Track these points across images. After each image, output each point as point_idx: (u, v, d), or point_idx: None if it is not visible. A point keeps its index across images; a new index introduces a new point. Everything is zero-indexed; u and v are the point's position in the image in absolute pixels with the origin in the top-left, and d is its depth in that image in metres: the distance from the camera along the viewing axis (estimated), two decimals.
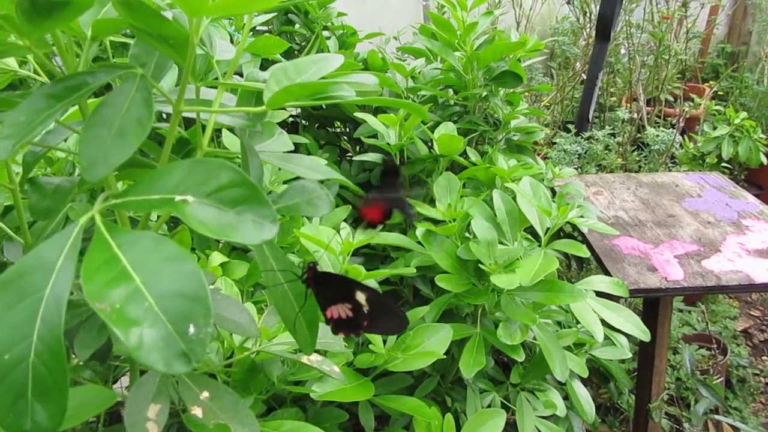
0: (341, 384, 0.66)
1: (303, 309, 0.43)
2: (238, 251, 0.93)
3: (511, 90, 1.30)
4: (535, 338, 0.85)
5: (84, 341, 0.42)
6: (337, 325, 0.47)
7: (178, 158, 0.52)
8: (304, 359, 0.52)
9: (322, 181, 0.61)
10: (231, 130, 0.75)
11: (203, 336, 0.28)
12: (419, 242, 0.89)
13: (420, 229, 0.85)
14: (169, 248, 0.30)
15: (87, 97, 0.37)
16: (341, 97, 0.39)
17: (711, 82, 3.52)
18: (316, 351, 0.55)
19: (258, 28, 1.40)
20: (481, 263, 0.81)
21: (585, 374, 0.89)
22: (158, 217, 0.44)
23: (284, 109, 1.36)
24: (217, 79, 0.46)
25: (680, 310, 2.13)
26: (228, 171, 0.34)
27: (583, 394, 0.96)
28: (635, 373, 1.49)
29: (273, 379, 0.63)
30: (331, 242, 0.76)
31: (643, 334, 0.84)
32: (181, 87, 0.37)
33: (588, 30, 3.20)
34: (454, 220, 0.87)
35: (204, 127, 0.45)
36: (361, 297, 0.46)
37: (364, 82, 0.37)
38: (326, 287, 0.45)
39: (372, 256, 1.13)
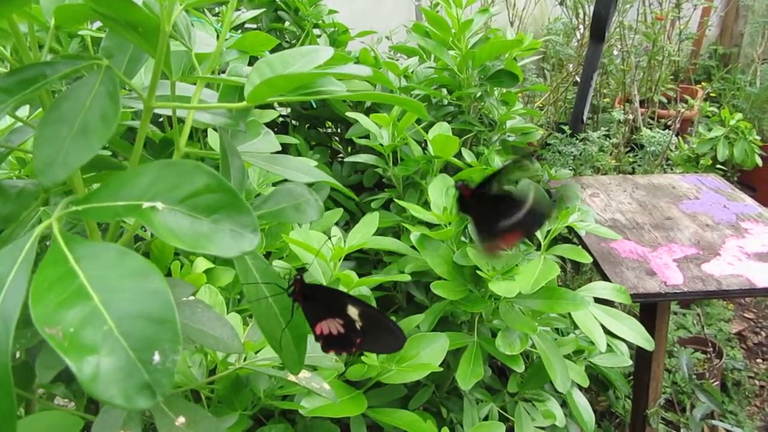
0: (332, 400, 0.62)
1: (290, 324, 0.40)
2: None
3: (507, 90, 1.27)
4: (533, 346, 0.82)
5: (46, 361, 0.38)
6: (328, 343, 0.43)
7: (153, 160, 0.48)
8: (291, 377, 0.49)
9: (311, 184, 0.57)
10: (215, 129, 0.71)
11: (170, 365, 0.24)
12: (413, 247, 0.85)
13: (414, 233, 0.81)
14: (133, 262, 0.26)
15: (46, 91, 0.33)
16: (331, 91, 0.35)
17: (703, 84, 3.51)
18: (305, 367, 0.51)
19: (247, 25, 1.36)
20: (479, 269, 0.77)
21: (586, 384, 0.85)
22: (119, 227, 0.40)
23: (273, 108, 1.33)
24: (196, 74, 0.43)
25: (675, 313, 2.11)
26: (203, 174, 0.30)
27: (582, 403, 0.92)
28: (630, 377, 1.46)
29: (259, 393, 0.59)
30: (322, 247, 0.72)
31: (647, 343, 0.81)
32: (152, 80, 0.33)
33: (582, 31, 3.17)
34: (450, 223, 0.84)
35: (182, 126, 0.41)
36: (353, 312, 0.42)
37: (357, 73, 0.33)
38: (315, 301, 0.41)
39: (364, 261, 1.09)
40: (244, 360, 0.55)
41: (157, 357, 0.24)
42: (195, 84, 0.42)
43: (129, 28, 0.33)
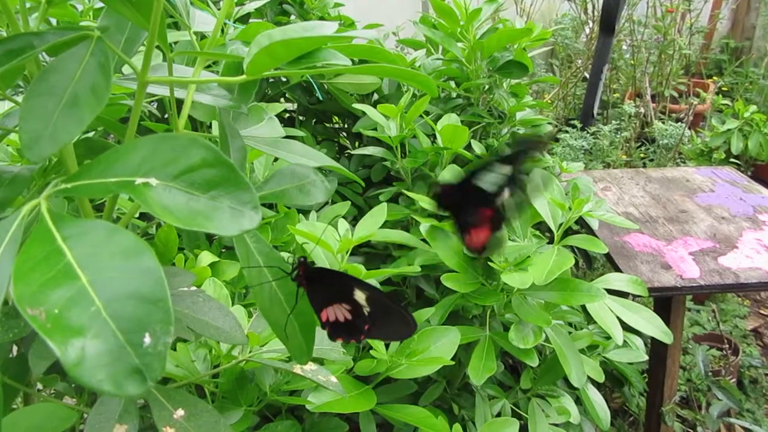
0: (340, 394, 0.60)
1: (295, 311, 0.38)
2: (231, 250, 0.87)
3: (516, 81, 1.24)
4: (547, 341, 0.80)
5: (40, 351, 0.37)
6: (335, 330, 0.41)
7: None
8: (297, 369, 0.47)
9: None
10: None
11: (161, 348, 0.22)
12: (423, 239, 0.83)
13: (424, 225, 0.79)
14: (123, 240, 0.25)
15: (37, 64, 0.31)
16: (334, 64, 0.33)
17: (715, 78, 3.47)
18: (311, 359, 0.49)
19: (251, 20, 1.34)
20: (491, 261, 0.75)
21: (601, 378, 0.83)
22: (113, 210, 0.38)
23: (278, 101, 1.31)
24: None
25: (689, 309, 2.07)
26: (200, 148, 0.28)
27: (597, 400, 0.90)
28: (645, 374, 1.43)
29: (265, 389, 0.57)
30: (325, 236, 0.70)
31: (665, 336, 0.78)
32: (146, 53, 0.32)
33: (590, 25, 3.14)
34: None
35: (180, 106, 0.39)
36: (360, 297, 0.40)
37: (359, 36, 0.31)
38: (320, 285, 0.39)
39: (373, 255, 1.07)
40: (250, 353, 0.53)
41: (147, 339, 0.22)
42: (190, 63, 0.40)
43: (122, 1, 0.31)
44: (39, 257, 0.25)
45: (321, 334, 0.43)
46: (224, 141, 0.37)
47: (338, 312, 0.40)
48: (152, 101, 1.01)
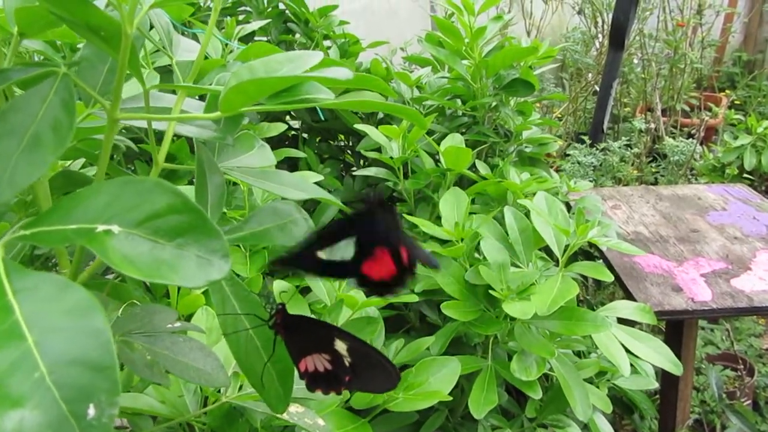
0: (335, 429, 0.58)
1: (273, 358, 0.36)
2: None
3: (523, 99, 1.23)
4: (552, 369, 0.77)
5: None
6: (313, 380, 0.39)
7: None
8: (284, 414, 0.45)
9: (317, 202, 0.52)
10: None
11: (106, 420, 0.20)
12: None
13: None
14: (74, 296, 0.23)
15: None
16: (316, 99, 0.32)
17: (727, 92, 3.43)
18: (299, 400, 0.47)
19: (256, 38, 1.34)
20: (492, 288, 0.73)
21: (609, 410, 0.80)
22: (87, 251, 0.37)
23: (284, 121, 1.30)
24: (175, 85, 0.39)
25: (702, 328, 2.03)
26: (165, 193, 0.27)
27: (605, 429, 0.87)
28: (655, 396, 1.40)
29: (256, 425, 0.55)
30: None
31: (674, 366, 0.76)
32: (116, 88, 0.30)
33: (600, 39, 3.12)
34: (462, 240, 0.80)
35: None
36: (341, 346, 0.38)
37: (336, 76, 0.30)
38: (299, 334, 0.37)
39: None
40: (239, 390, 0.51)
41: (92, 411, 0.20)
42: (172, 92, 0.39)
43: (91, 32, 0.30)
44: None
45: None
46: (201, 178, 0.36)
47: (317, 362, 0.38)
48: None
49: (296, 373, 0.38)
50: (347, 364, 0.38)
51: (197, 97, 0.45)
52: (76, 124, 0.28)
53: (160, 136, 0.39)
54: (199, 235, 0.27)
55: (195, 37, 0.98)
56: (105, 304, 0.44)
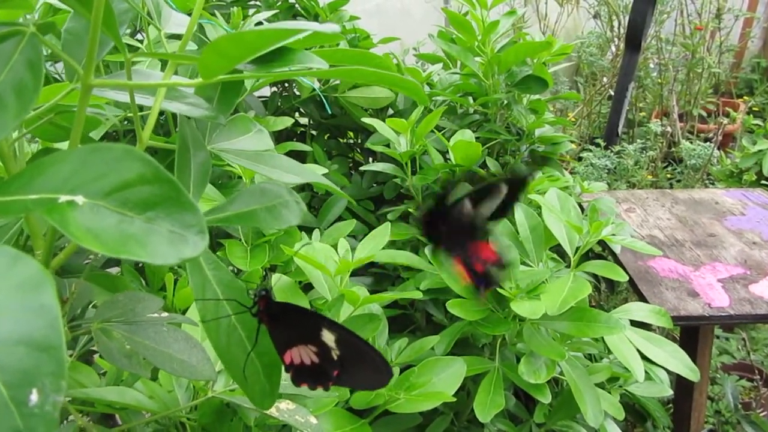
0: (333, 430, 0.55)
1: (257, 350, 0.33)
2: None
3: (536, 97, 1.20)
4: (562, 372, 0.74)
5: None
6: (298, 374, 0.36)
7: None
8: (272, 409, 0.42)
9: (328, 194, 0.50)
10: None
11: (49, 407, 0.18)
12: (430, 262, 0.78)
13: (429, 247, 0.75)
14: (25, 270, 0.20)
15: None
16: (310, 68, 0.29)
17: (745, 98, 3.37)
18: (293, 397, 0.45)
19: None
20: (500, 287, 0.70)
21: (621, 417, 0.77)
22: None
23: (291, 116, 1.28)
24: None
25: (717, 337, 1.98)
26: (136, 161, 0.24)
27: None
28: (669, 405, 1.35)
29: (250, 423, 0.53)
30: (327, 260, 0.66)
31: (691, 372, 0.72)
32: (89, 50, 0.28)
33: (616, 42, 3.08)
34: None
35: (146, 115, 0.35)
36: (328, 338, 0.35)
37: (321, 29, 0.27)
38: (284, 323, 0.35)
39: (383, 277, 1.03)
40: (231, 386, 0.48)
41: (34, 396, 0.18)
42: (160, 61, 0.36)
43: None
44: None
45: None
46: (184, 153, 0.33)
47: (303, 354, 0.35)
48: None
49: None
50: (335, 357, 0.35)
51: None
52: (41, 86, 0.25)
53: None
54: (173, 209, 0.24)
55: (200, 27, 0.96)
56: (88, 292, 0.42)
